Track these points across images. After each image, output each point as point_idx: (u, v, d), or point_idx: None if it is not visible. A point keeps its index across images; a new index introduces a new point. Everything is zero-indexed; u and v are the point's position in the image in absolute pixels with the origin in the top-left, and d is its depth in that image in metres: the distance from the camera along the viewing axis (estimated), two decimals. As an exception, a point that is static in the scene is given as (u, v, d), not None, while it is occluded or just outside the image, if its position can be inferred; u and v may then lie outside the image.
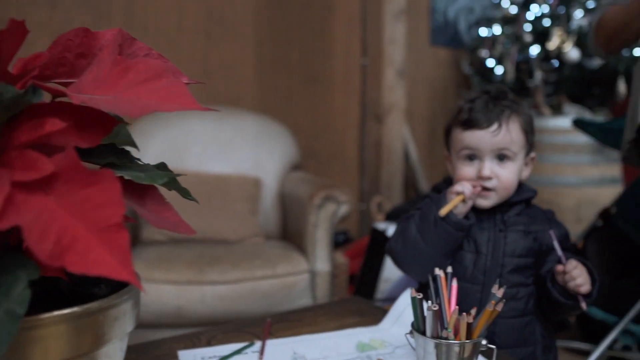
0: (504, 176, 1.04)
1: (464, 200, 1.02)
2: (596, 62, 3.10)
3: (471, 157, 1.06)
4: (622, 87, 3.17)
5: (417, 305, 0.78)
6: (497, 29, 3.34)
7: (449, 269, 0.85)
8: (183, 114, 2.37)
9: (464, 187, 1.02)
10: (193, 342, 1.05)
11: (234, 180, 2.24)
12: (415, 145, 3.46)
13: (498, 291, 0.76)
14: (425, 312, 0.77)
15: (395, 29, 3.18)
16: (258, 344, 1.03)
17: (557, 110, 3.28)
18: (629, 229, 2.01)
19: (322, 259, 1.92)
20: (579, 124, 1.93)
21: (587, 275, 0.97)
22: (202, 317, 1.74)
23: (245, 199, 2.19)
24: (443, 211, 1.01)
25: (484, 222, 1.07)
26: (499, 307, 0.76)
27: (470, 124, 1.04)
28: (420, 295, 0.78)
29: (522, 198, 1.08)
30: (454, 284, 0.84)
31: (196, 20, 2.74)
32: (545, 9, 3.18)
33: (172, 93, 0.50)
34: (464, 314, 0.75)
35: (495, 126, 1.02)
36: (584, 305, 0.96)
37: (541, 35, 3.19)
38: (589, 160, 2.96)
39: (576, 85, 3.37)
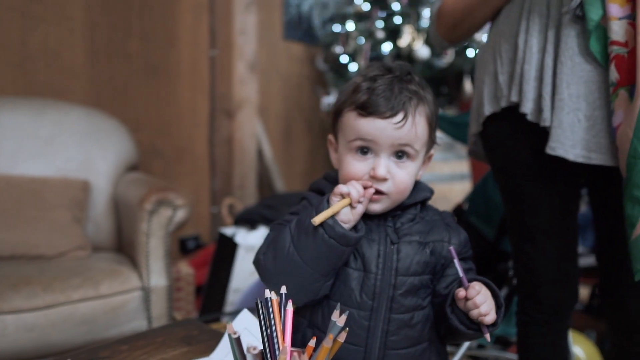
0: (401, 178, 0.85)
1: (351, 206, 0.81)
2: (444, 61, 3.17)
3: (365, 151, 0.85)
4: (468, 86, 3.27)
5: (235, 347, 0.59)
6: (350, 25, 3.29)
7: (283, 290, 0.67)
8: (-12, 105, 1.98)
9: (351, 189, 0.81)
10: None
11: (53, 183, 1.90)
12: (269, 144, 3.29)
13: (339, 319, 0.60)
14: (248, 357, 0.58)
15: (246, 20, 3.00)
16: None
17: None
18: (479, 224, 2.01)
19: (157, 272, 1.65)
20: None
21: (492, 300, 0.80)
22: (4, 353, 1.41)
23: (67, 205, 1.86)
24: (317, 219, 0.79)
25: (373, 233, 0.87)
26: (342, 338, 0.60)
27: (369, 110, 0.83)
28: (237, 335, 0.59)
29: (417, 200, 0.90)
30: (289, 307, 0.66)
31: (8, -5, 2.32)
32: (397, 6, 3.19)
33: None
34: (296, 354, 0.57)
35: (400, 116, 0.82)
36: (487, 336, 0.80)
37: (393, 32, 3.20)
38: (440, 157, 3.01)
39: (427, 84, 3.43)
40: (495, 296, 0.81)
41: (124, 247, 1.95)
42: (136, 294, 1.60)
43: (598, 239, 1.23)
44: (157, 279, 1.65)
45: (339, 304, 0.64)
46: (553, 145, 1.07)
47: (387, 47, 3.15)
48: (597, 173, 1.14)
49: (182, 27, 2.92)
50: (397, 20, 3.17)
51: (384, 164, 0.83)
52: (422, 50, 3.05)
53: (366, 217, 0.86)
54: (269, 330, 0.63)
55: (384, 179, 0.83)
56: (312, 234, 0.81)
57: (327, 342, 0.58)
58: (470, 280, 0.80)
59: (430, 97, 0.87)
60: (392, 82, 0.84)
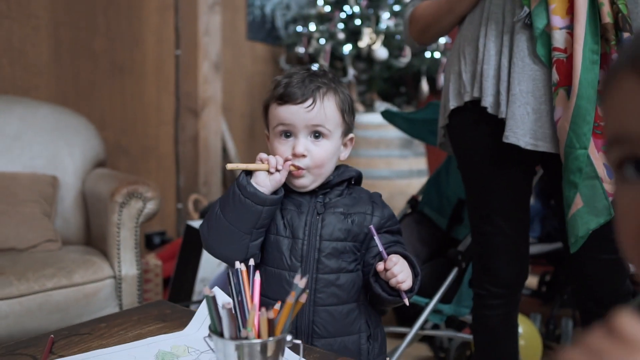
0: (317, 154, 0.99)
1: (269, 172, 0.96)
2: (403, 61, 3.31)
3: (287, 134, 1.00)
4: (424, 86, 3.42)
5: (211, 305, 0.69)
6: (312, 27, 3.39)
7: (251, 262, 0.77)
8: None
9: (270, 157, 0.97)
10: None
11: (22, 178, 1.94)
12: (233, 141, 3.37)
13: (300, 281, 0.70)
14: (221, 312, 0.68)
15: (210, 21, 3.07)
16: (33, 367, 0.86)
17: (369, 107, 3.43)
18: (432, 215, 2.15)
19: (127, 262, 1.72)
20: (387, 115, 2.01)
21: (409, 270, 0.94)
22: (-21, 340, 1.46)
23: (37, 200, 1.91)
24: (230, 165, 0.95)
25: (304, 206, 1.02)
26: (303, 299, 0.70)
27: (285, 99, 0.99)
28: (213, 294, 0.69)
29: (343, 178, 1.04)
30: (257, 277, 0.76)
31: (-28, -7, 2.34)
32: (357, 9, 3.30)
33: None
34: (264, 309, 0.67)
35: (309, 102, 0.98)
36: (406, 300, 0.94)
37: (353, 34, 3.32)
38: (398, 154, 3.13)
39: (385, 84, 3.57)
40: (412, 266, 0.95)
41: (92, 240, 2.00)
42: (108, 282, 1.67)
43: (559, 217, 1.38)
44: (128, 268, 1.72)
45: (300, 269, 0.75)
46: (507, 134, 1.22)
47: (347, 48, 3.27)
48: (550, 159, 1.28)
49: (147, 27, 2.97)
50: (357, 22, 3.29)
51: (302, 143, 0.98)
52: (381, 51, 3.17)
53: (298, 193, 1.02)
54: (239, 296, 0.73)
55: (303, 155, 0.98)
56: (232, 195, 0.96)
57: (290, 299, 0.68)
58: (391, 253, 0.94)
59: (342, 89, 1.03)
60: (305, 76, 1.00)
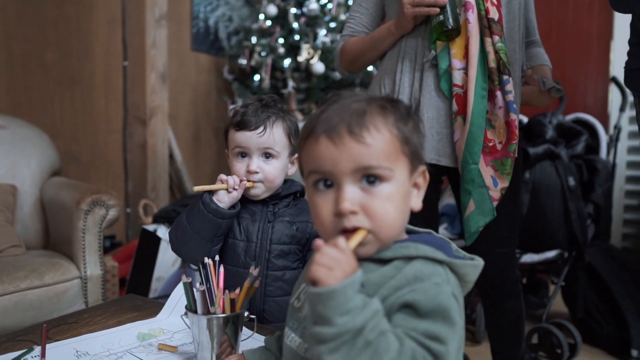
0: (268, 171, 1.22)
1: (228, 191, 1.19)
2: (338, 75, 3.58)
3: (242, 155, 1.23)
4: (358, 96, 3.70)
5: (188, 289, 0.93)
6: (254, 39, 3.62)
7: (217, 258, 1.02)
8: None
9: (229, 178, 1.19)
10: (-37, 356, 1.03)
11: (-15, 188, 2.09)
12: (179, 149, 3.56)
13: (254, 270, 0.95)
14: (196, 294, 0.92)
15: (157, 34, 3.23)
16: (37, 349, 1.06)
17: (307, 116, 3.69)
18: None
19: (92, 263, 1.92)
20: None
21: None
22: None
23: None
24: (197, 188, 1.18)
25: (257, 215, 1.25)
26: (257, 284, 0.95)
27: (241, 126, 1.21)
28: (190, 280, 0.93)
29: (290, 192, 1.28)
30: (222, 269, 1.00)
31: None
32: (296, 25, 3.55)
33: None
34: (227, 291, 0.92)
35: (261, 129, 1.21)
36: None
37: (293, 48, 3.57)
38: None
39: (323, 94, 3.84)
40: None
41: (52, 244, 2.17)
42: (75, 282, 1.86)
43: (460, 219, 1.68)
44: (93, 269, 1.92)
45: (253, 264, 1.00)
46: None
47: (287, 62, 3.52)
48: (454, 173, 1.57)
49: (96, 40, 3.12)
50: (297, 37, 3.54)
51: (255, 162, 1.21)
52: (318, 66, 3.44)
53: (253, 203, 1.25)
54: (207, 283, 0.97)
55: (256, 172, 1.21)
56: (197, 210, 1.20)
57: (247, 283, 0.93)
58: None
59: (289, 117, 1.27)
60: (258, 107, 1.24)
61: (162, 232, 2.33)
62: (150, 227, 2.38)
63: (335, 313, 0.56)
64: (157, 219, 2.47)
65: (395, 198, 0.68)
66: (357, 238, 0.64)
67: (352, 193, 0.66)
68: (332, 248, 0.60)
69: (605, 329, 2.39)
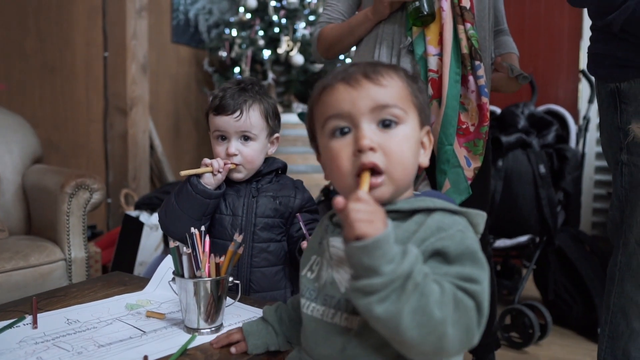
0: (247, 153, 1.28)
1: (213, 173, 1.24)
2: (317, 67, 3.64)
3: (222, 138, 1.29)
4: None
5: (176, 254, 0.98)
6: (234, 32, 3.65)
7: (203, 228, 1.07)
8: None
9: (214, 161, 1.25)
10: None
11: (-33, 174, 2.10)
12: (159, 139, 3.58)
13: (238, 237, 1.01)
14: (183, 258, 0.97)
15: (137, 25, 3.26)
16: (29, 318, 1.10)
17: (287, 107, 3.74)
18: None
19: (76, 246, 1.95)
20: (303, 116, 2.31)
21: None
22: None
23: (-18, 193, 2.07)
24: (183, 172, 1.23)
25: (241, 191, 1.31)
26: (240, 251, 1.01)
27: (219, 110, 1.27)
28: (178, 244, 0.98)
29: (272, 169, 1.34)
30: (207, 239, 1.05)
31: None
32: (275, 18, 3.60)
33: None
34: (212, 255, 0.98)
35: (238, 113, 1.26)
36: None
37: (272, 40, 3.61)
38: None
39: (302, 86, 3.89)
40: None
41: (35, 230, 2.18)
42: (60, 264, 1.88)
43: None
44: (77, 251, 1.94)
45: (237, 231, 1.06)
46: None
47: (267, 54, 3.56)
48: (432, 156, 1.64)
49: (77, 29, 3.13)
50: (276, 30, 3.59)
51: (234, 145, 1.28)
52: (297, 58, 3.49)
53: (239, 183, 1.30)
54: (194, 251, 1.02)
55: (235, 154, 1.26)
56: (185, 191, 1.25)
57: (232, 247, 0.99)
58: (311, 232, 1.22)
59: (266, 99, 1.31)
60: (235, 91, 1.29)
61: (145, 217, 2.37)
62: (133, 213, 2.41)
63: (382, 262, 0.59)
64: (139, 206, 2.50)
65: (410, 141, 0.72)
66: (365, 180, 0.68)
67: (370, 132, 0.70)
68: (361, 203, 0.61)
69: (575, 310, 2.49)
